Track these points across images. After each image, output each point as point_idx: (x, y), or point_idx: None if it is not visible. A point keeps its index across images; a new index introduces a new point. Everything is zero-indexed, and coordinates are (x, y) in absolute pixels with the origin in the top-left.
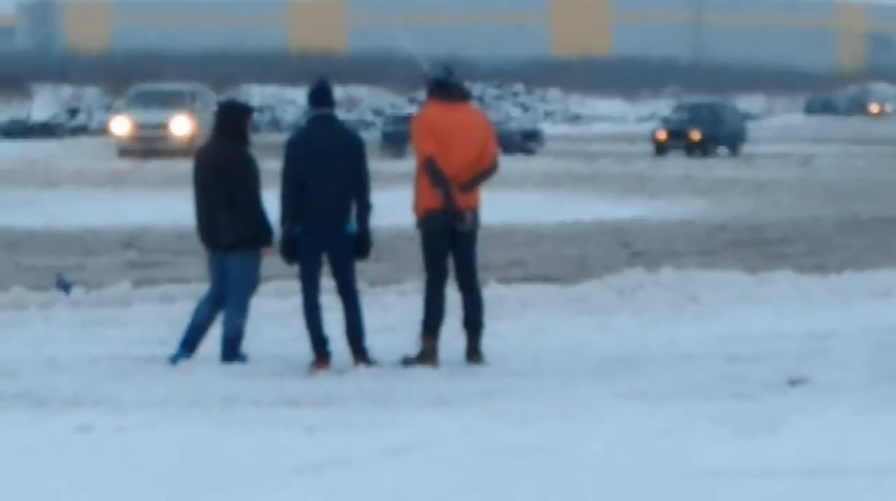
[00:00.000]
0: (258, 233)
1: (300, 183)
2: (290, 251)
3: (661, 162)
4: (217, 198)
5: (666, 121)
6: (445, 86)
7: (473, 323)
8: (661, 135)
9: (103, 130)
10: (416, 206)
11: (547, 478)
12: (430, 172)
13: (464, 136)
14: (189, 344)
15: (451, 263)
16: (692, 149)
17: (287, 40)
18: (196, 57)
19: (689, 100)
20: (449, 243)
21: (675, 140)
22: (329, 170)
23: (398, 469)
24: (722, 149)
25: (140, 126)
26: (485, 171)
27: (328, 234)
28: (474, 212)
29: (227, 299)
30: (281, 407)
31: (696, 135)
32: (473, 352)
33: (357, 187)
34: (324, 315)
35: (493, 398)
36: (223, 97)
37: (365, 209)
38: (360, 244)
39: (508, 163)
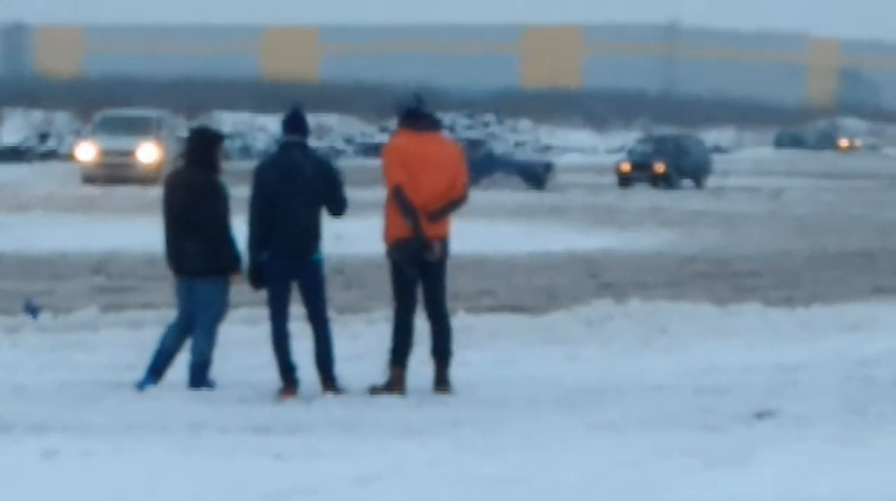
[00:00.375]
0: (227, 260)
1: (268, 209)
2: (258, 277)
3: (629, 194)
4: (186, 224)
5: (630, 154)
6: (417, 116)
7: (442, 352)
8: (626, 167)
9: (73, 155)
10: (386, 235)
11: None
12: (399, 201)
13: (435, 166)
14: (156, 370)
15: (419, 292)
16: (656, 181)
17: (259, 68)
18: (168, 83)
19: (655, 133)
20: (418, 272)
21: (639, 172)
22: (298, 197)
23: (366, 499)
24: (687, 182)
25: (105, 152)
26: (455, 201)
27: (297, 263)
28: (443, 241)
29: (195, 325)
30: (249, 434)
31: (660, 167)
32: (441, 382)
33: (333, 211)
34: (292, 342)
35: (462, 427)
36: (194, 123)
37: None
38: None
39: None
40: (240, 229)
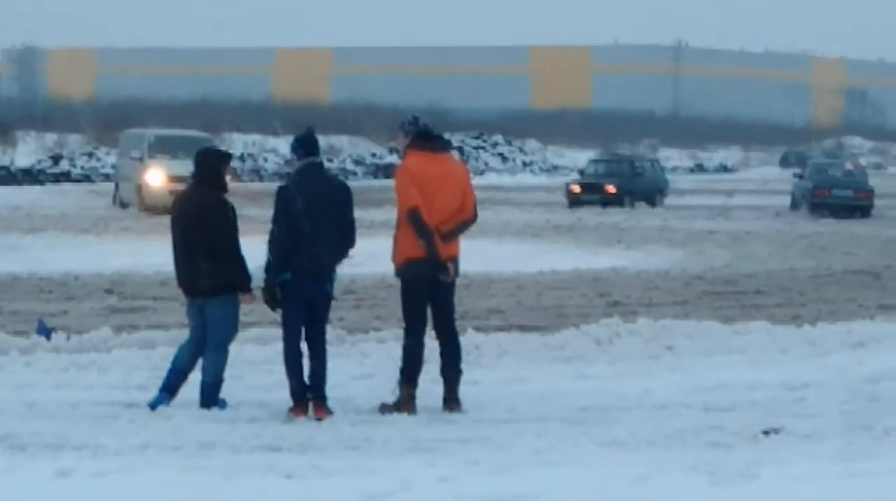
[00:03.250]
0: (236, 279)
1: (294, 230)
2: (275, 298)
3: (636, 213)
4: (196, 244)
5: (582, 174)
6: (428, 137)
7: (451, 371)
8: (576, 188)
9: (86, 177)
10: (396, 256)
11: None
12: (415, 223)
13: (448, 186)
14: (169, 388)
15: (428, 312)
16: (607, 202)
17: (272, 89)
18: (180, 105)
19: (606, 154)
20: (429, 292)
21: (590, 194)
22: (323, 218)
23: None
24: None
25: (174, 178)
26: (466, 221)
27: (317, 284)
28: (455, 261)
29: (207, 345)
30: (260, 453)
31: (611, 188)
32: (451, 400)
33: (342, 233)
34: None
35: (471, 445)
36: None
37: (345, 250)
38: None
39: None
40: (249, 249)
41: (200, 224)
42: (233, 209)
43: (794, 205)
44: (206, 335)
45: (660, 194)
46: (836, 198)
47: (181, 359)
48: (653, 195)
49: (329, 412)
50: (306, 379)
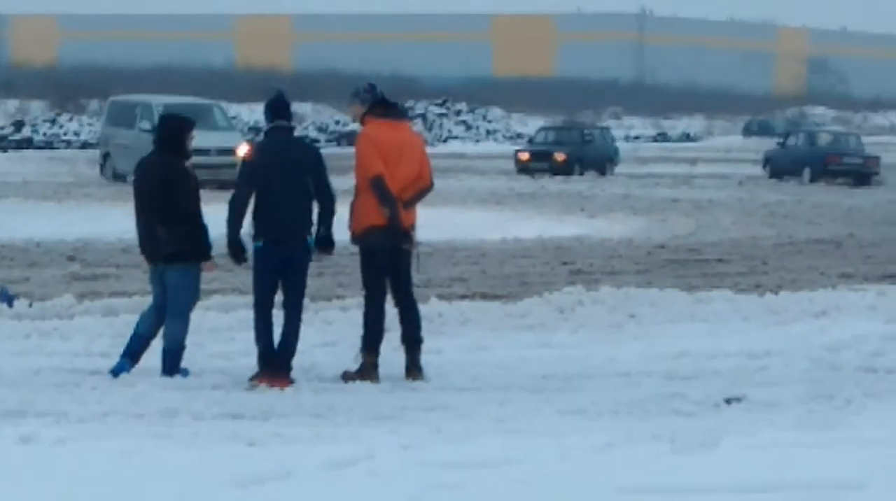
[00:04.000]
0: (197, 246)
1: (252, 190)
2: (237, 253)
3: (600, 180)
4: (156, 211)
5: (531, 142)
6: (387, 104)
7: (412, 338)
8: (524, 156)
9: (49, 144)
10: (355, 223)
11: (488, 493)
12: (379, 191)
13: (408, 154)
14: (131, 354)
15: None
16: (557, 170)
17: (234, 56)
18: (143, 71)
19: (556, 122)
20: (388, 261)
21: (539, 162)
22: (289, 182)
23: (340, 484)
24: (592, 172)
25: (204, 151)
26: (424, 189)
27: (289, 249)
28: (413, 229)
29: (168, 312)
30: (223, 421)
31: (560, 156)
32: (413, 368)
33: (320, 195)
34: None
35: (434, 413)
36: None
37: (329, 213)
38: (324, 242)
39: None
40: (212, 216)
41: (160, 191)
42: (194, 176)
43: (775, 174)
44: (167, 302)
45: (610, 162)
46: (847, 165)
47: (143, 325)
48: (602, 163)
49: (291, 381)
50: (276, 346)
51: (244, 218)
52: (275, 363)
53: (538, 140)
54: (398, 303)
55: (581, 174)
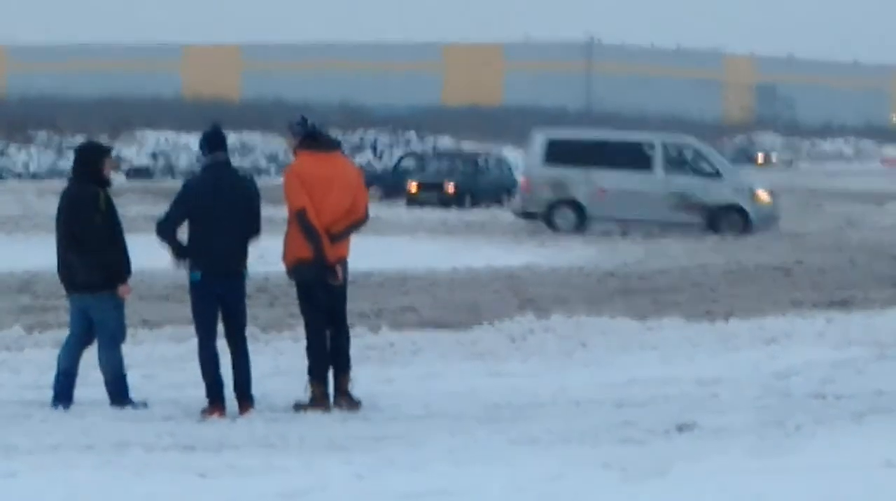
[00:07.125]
0: (112, 273)
1: (184, 220)
2: (179, 250)
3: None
4: (68, 238)
5: (422, 172)
6: (316, 137)
7: (339, 362)
8: (413, 186)
9: None
10: (287, 255)
11: None
12: (302, 225)
13: (338, 186)
14: (62, 396)
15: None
16: (447, 201)
17: (182, 86)
18: (92, 102)
19: (447, 150)
20: (323, 291)
21: (428, 192)
22: (229, 216)
23: None
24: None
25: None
26: (358, 221)
27: (227, 281)
28: (344, 262)
29: (98, 342)
30: (174, 452)
31: (450, 187)
32: (342, 393)
33: (249, 226)
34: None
35: (386, 442)
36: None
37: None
38: None
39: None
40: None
41: (70, 218)
42: (107, 201)
43: None
44: (97, 334)
45: (507, 194)
46: None
47: (62, 360)
48: (498, 194)
49: (252, 406)
50: (231, 379)
51: (192, 252)
52: (238, 392)
53: (430, 169)
54: (331, 328)
55: (471, 207)
